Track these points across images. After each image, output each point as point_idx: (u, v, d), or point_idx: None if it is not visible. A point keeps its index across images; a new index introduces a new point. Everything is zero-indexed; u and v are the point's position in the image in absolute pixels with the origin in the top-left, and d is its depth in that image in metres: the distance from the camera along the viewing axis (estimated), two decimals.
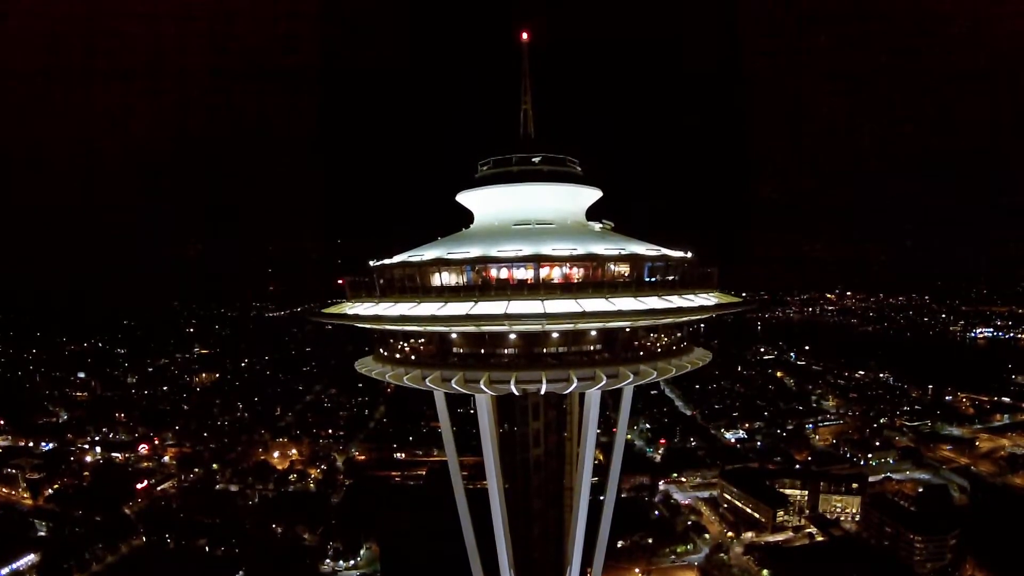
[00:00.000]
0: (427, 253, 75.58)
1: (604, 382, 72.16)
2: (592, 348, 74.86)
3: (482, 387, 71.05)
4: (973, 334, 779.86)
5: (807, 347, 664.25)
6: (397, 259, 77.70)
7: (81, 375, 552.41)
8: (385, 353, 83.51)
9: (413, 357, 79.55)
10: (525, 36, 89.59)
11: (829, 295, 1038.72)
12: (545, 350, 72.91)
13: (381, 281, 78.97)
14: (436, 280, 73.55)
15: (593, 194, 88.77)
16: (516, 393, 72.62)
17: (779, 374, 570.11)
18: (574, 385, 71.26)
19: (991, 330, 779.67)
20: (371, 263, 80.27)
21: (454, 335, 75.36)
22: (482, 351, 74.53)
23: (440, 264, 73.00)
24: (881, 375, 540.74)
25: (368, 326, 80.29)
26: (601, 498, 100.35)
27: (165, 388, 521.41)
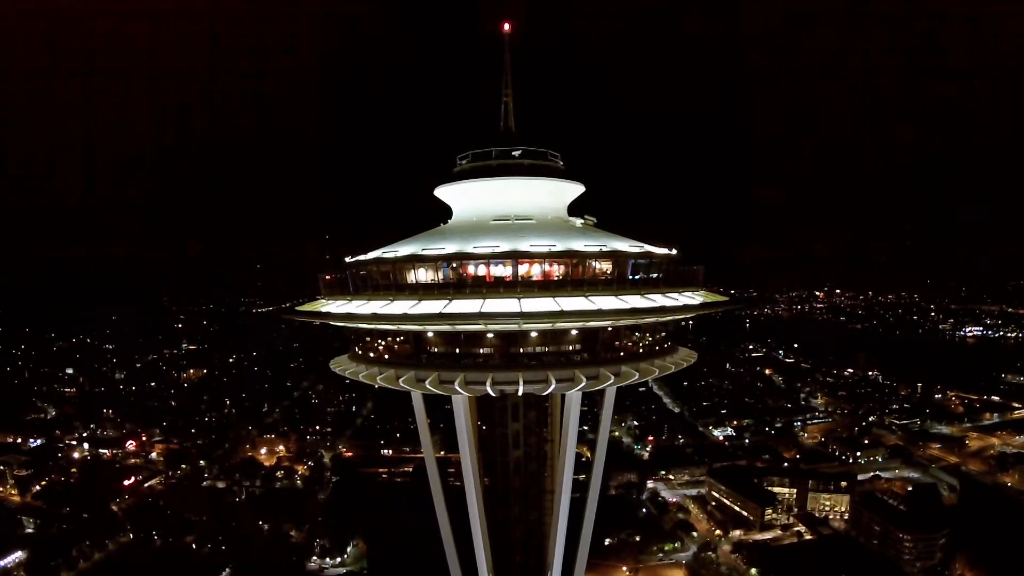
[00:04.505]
0: (402, 249, 73.52)
1: (584, 384, 70.22)
2: (572, 348, 72.82)
3: (457, 388, 69.22)
4: (963, 332, 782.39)
5: (796, 345, 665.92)
6: (372, 255, 75.74)
7: (69, 371, 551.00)
8: (360, 352, 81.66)
9: (387, 356, 77.57)
10: (507, 27, 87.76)
11: (818, 292, 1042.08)
12: (523, 350, 70.98)
13: (355, 278, 77.23)
14: (410, 277, 71.57)
15: (575, 189, 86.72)
16: (492, 394, 70.97)
17: (768, 372, 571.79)
18: (552, 387, 69.32)
19: (981, 328, 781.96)
20: (346, 259, 78.65)
21: (429, 334, 73.47)
22: (457, 351, 72.61)
23: (414, 260, 70.99)
24: (870, 373, 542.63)
25: (340, 324, 78.55)
26: (586, 495, 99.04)
27: (153, 384, 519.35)
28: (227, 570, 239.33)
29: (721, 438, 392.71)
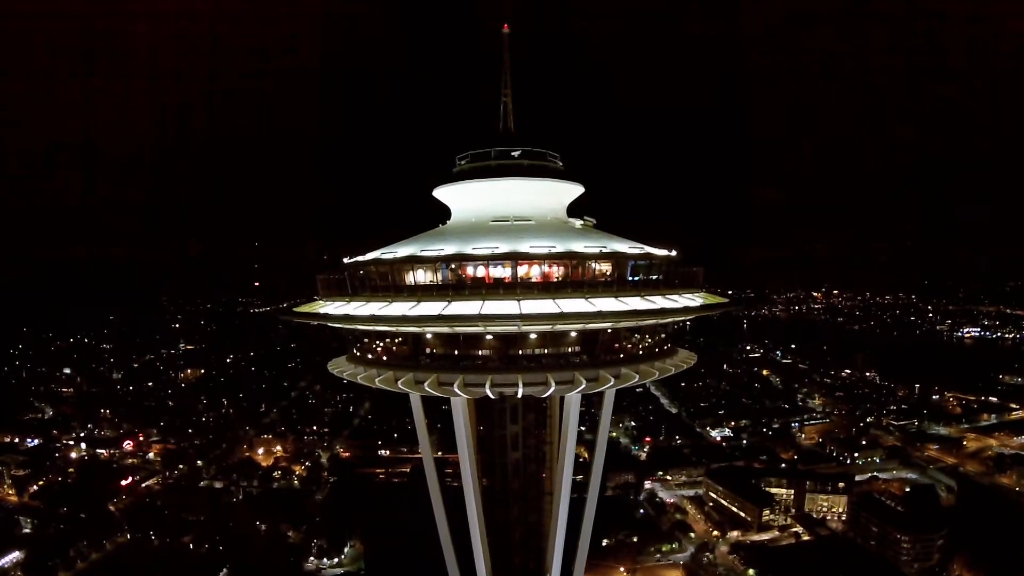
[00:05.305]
0: (401, 250, 73.16)
1: (584, 386, 69.80)
2: (571, 350, 72.37)
3: (456, 390, 68.77)
4: (960, 333, 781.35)
5: (793, 345, 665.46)
6: (370, 256, 75.32)
7: (67, 371, 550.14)
8: (358, 354, 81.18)
9: (386, 358, 77.27)
10: (507, 28, 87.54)
11: (816, 293, 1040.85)
12: (522, 352, 70.66)
13: (353, 279, 76.86)
14: (409, 278, 71.13)
15: (575, 190, 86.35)
16: (492, 396, 70.59)
17: (765, 372, 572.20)
18: (552, 389, 68.82)
19: (978, 329, 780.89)
20: (344, 260, 78.22)
21: (428, 336, 73.20)
22: (456, 353, 72.34)
23: (413, 262, 70.60)
24: (868, 374, 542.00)
25: (338, 326, 78.22)
26: (585, 496, 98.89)
27: (150, 384, 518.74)
28: (224, 570, 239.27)
29: (719, 439, 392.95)
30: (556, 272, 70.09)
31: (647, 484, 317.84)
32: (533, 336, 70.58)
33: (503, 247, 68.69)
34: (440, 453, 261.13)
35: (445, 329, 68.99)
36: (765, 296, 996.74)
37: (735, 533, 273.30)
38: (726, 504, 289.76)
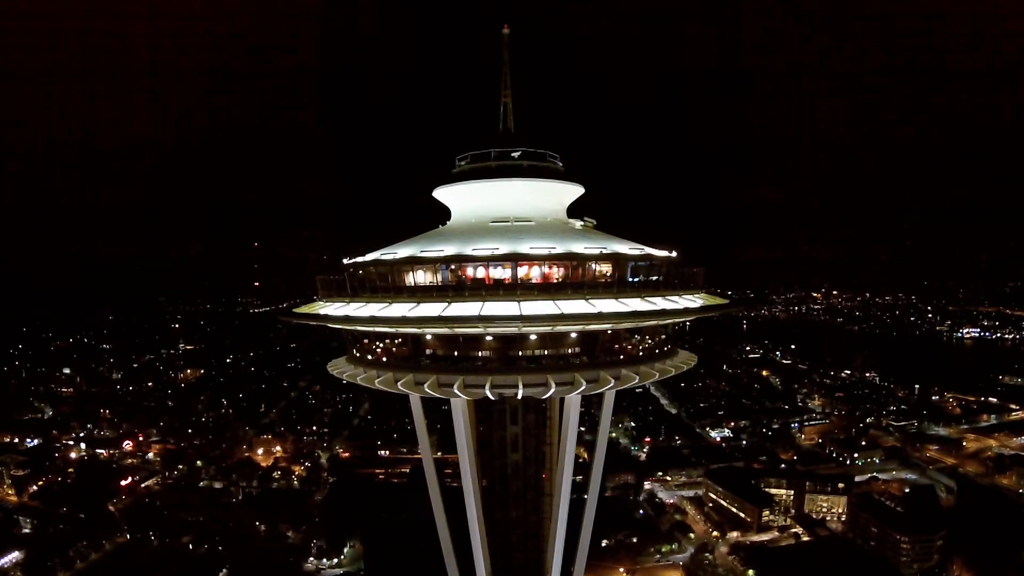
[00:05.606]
0: (401, 251, 73.08)
1: (584, 387, 69.71)
2: (571, 351, 72.28)
3: (456, 391, 68.69)
4: (960, 334, 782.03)
5: (793, 346, 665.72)
6: (370, 257, 75.24)
7: (66, 371, 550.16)
8: (358, 355, 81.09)
9: (385, 359, 77.21)
10: (506, 29, 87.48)
11: (816, 293, 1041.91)
12: (522, 353, 70.62)
13: (353, 280, 76.74)
14: (409, 279, 71.05)
15: (575, 190, 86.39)
16: (492, 397, 70.47)
17: (765, 373, 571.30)
18: (552, 390, 68.74)
19: (978, 330, 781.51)
20: (344, 261, 78.10)
21: (428, 337, 73.05)
22: (456, 354, 72.17)
23: (413, 263, 70.54)
24: (867, 374, 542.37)
25: (338, 327, 78.07)
26: (585, 496, 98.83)
27: (150, 384, 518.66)
28: (224, 570, 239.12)
29: (718, 439, 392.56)
30: (556, 273, 70.03)
31: (647, 485, 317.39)
32: (533, 337, 70.44)
33: (503, 248, 68.65)
34: (440, 454, 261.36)
35: (445, 330, 68.80)
36: (765, 296, 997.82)
37: (735, 534, 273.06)
38: (726, 505, 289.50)
